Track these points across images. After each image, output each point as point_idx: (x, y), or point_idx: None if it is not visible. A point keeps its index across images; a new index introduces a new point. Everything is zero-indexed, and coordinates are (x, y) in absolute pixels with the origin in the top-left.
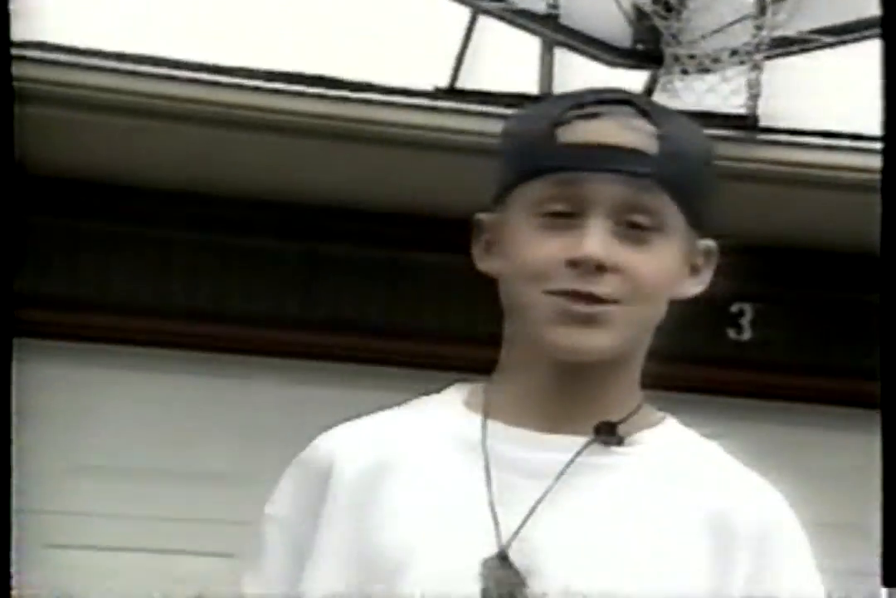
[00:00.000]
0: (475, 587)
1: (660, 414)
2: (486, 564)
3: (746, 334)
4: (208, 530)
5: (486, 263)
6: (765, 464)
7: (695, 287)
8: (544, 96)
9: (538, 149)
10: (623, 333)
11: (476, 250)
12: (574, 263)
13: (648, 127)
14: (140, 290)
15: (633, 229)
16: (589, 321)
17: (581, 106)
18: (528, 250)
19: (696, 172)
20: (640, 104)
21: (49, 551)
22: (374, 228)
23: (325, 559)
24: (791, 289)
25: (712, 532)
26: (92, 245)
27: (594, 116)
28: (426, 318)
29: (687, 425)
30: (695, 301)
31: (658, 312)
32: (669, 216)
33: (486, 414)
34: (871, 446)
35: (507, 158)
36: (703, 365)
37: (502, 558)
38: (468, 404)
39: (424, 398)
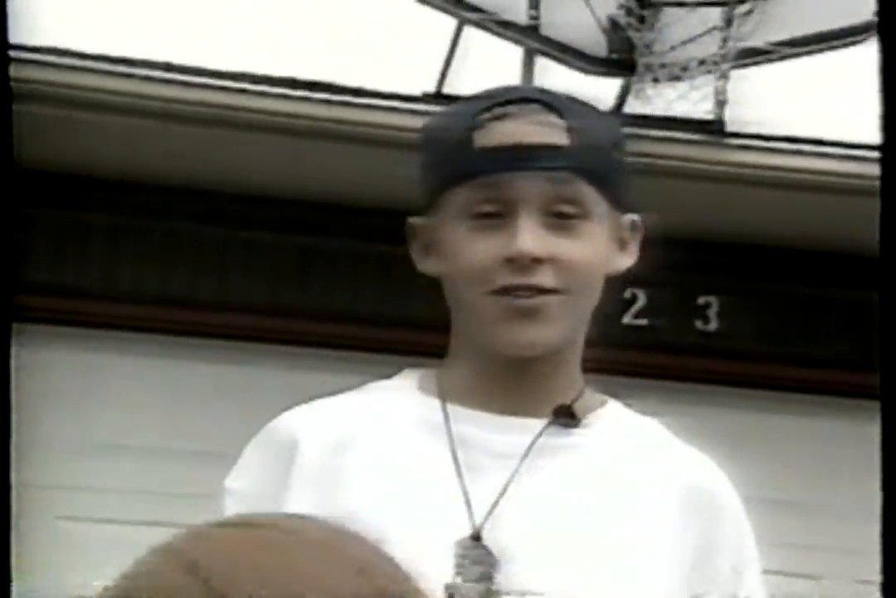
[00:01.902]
0: (449, 566)
1: (602, 396)
2: (460, 544)
3: (713, 325)
4: (207, 503)
5: (425, 265)
6: (729, 445)
7: (625, 261)
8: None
9: (458, 155)
10: (564, 324)
11: (414, 253)
12: (511, 260)
13: (558, 121)
14: (145, 280)
15: (560, 219)
16: (532, 315)
17: (492, 108)
18: (465, 253)
19: (609, 158)
20: (547, 100)
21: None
22: (365, 223)
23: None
24: (754, 283)
25: (670, 501)
26: (100, 237)
27: (506, 116)
28: (415, 308)
29: (658, 409)
30: (666, 294)
31: (595, 296)
32: (591, 202)
33: (444, 398)
34: (828, 431)
35: (431, 164)
36: (673, 354)
37: (476, 538)
38: (422, 389)
39: (377, 383)
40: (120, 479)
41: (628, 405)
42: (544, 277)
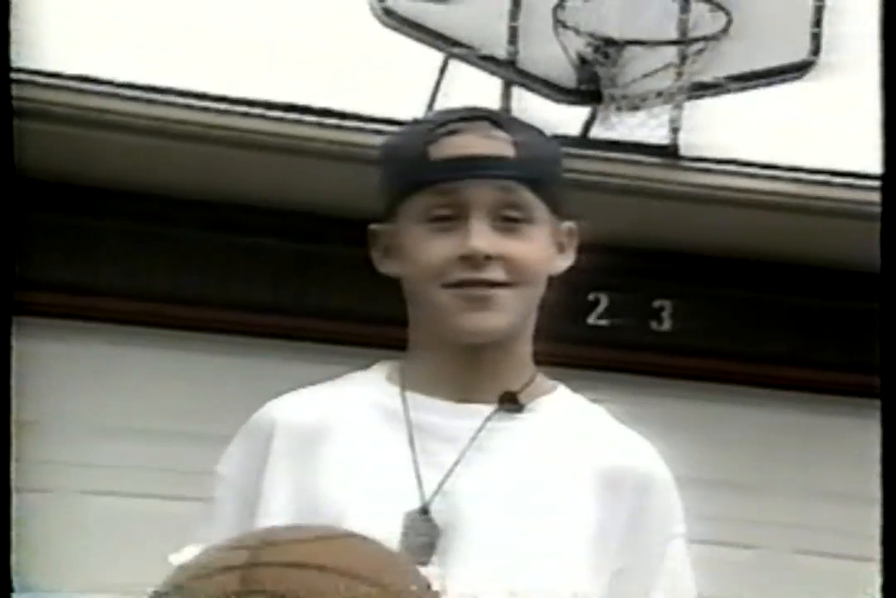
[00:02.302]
0: (397, 536)
1: (552, 383)
2: (408, 516)
3: (666, 326)
4: (200, 478)
5: (386, 267)
6: (682, 431)
7: (564, 262)
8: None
9: (416, 166)
10: (513, 313)
11: (375, 256)
12: (465, 258)
13: (504, 136)
14: (159, 280)
15: (507, 222)
16: (485, 304)
17: (445, 124)
18: (424, 253)
19: (550, 169)
20: (494, 118)
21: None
22: (357, 232)
23: (271, 515)
24: (704, 288)
25: (603, 480)
26: (115, 241)
27: (457, 131)
28: (401, 307)
29: (617, 399)
30: (625, 298)
31: (539, 291)
32: (534, 208)
33: (404, 387)
34: (767, 419)
35: (390, 176)
36: (631, 351)
37: (423, 511)
38: (390, 379)
39: (353, 374)
40: (124, 457)
41: (576, 392)
42: (495, 273)
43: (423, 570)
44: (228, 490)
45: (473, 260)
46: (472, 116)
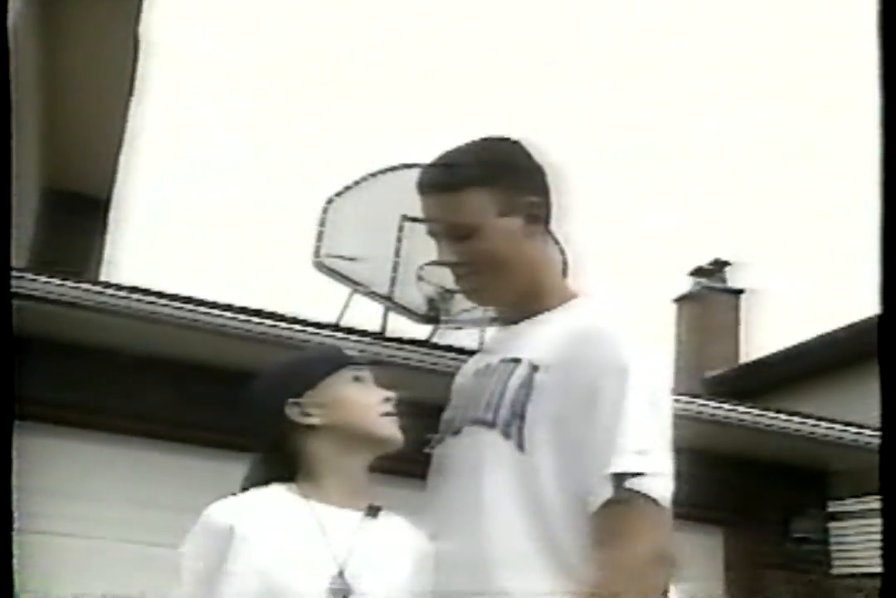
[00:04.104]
0: (324, 590)
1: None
2: (332, 577)
3: None
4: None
5: (313, 420)
6: None
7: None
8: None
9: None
10: None
11: (301, 416)
12: (388, 399)
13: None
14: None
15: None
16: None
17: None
18: (357, 403)
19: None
20: (354, 361)
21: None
22: None
23: (230, 587)
24: None
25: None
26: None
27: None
28: None
29: None
30: None
31: None
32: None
33: (306, 496)
34: None
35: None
36: None
37: (340, 575)
38: (289, 489)
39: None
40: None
41: None
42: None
43: None
44: (193, 564)
45: (389, 401)
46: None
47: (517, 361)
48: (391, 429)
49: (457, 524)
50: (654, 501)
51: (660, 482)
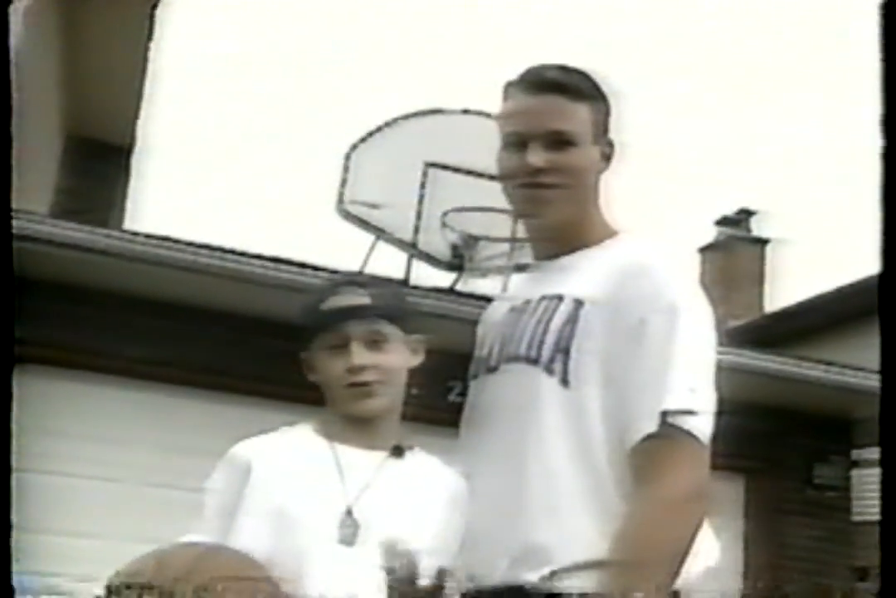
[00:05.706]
0: (334, 527)
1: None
2: (341, 515)
3: None
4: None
5: (310, 377)
6: None
7: (417, 360)
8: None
9: (314, 317)
10: (386, 397)
11: (305, 372)
12: (351, 370)
13: (362, 291)
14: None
15: (374, 343)
16: (367, 395)
17: (330, 288)
18: (327, 369)
19: (397, 306)
20: (358, 281)
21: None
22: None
23: (246, 519)
24: None
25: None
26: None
27: (337, 292)
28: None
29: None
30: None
31: (402, 381)
32: (389, 332)
33: (329, 437)
34: None
35: (304, 321)
36: None
37: (348, 513)
38: (316, 431)
39: (287, 427)
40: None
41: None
42: (370, 376)
43: (350, 551)
44: (216, 499)
45: (355, 371)
46: (345, 282)
47: (560, 297)
48: (349, 402)
49: (495, 463)
50: (697, 439)
51: (704, 421)
